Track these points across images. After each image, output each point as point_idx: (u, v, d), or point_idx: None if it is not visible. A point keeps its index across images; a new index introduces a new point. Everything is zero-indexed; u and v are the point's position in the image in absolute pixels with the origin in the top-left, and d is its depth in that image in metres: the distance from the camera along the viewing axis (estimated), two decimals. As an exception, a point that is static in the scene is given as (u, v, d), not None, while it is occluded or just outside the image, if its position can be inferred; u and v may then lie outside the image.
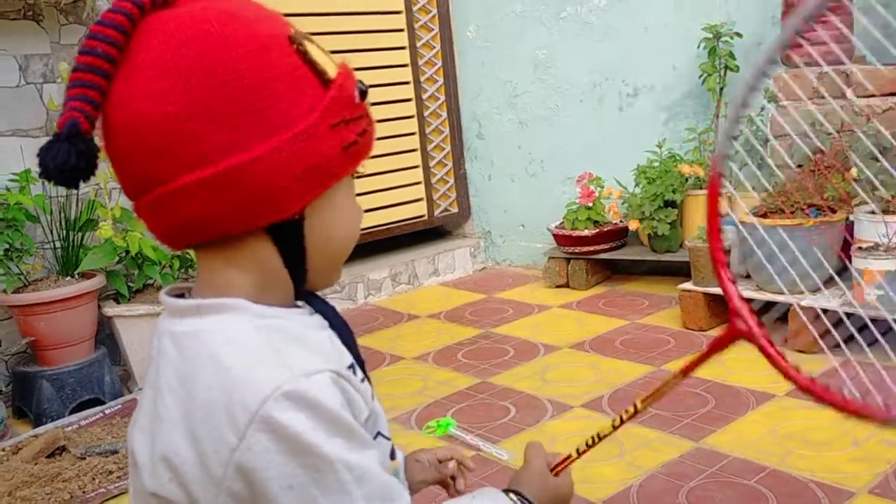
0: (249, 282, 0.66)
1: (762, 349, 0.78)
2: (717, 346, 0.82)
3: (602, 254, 3.49)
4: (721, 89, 3.29)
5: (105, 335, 2.80)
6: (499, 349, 2.92)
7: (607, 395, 2.42)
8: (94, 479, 2.13)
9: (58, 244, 2.71)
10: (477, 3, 4.02)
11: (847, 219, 2.64)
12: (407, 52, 3.87)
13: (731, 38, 3.24)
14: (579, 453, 0.87)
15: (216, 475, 0.60)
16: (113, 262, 2.66)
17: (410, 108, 3.91)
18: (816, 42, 2.86)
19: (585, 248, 3.49)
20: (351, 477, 0.60)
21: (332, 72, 0.65)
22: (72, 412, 2.57)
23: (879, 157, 1.68)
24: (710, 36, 3.25)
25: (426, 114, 3.98)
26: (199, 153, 0.59)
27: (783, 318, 2.63)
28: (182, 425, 0.62)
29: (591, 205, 3.43)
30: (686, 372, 0.83)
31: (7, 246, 2.47)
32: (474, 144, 4.14)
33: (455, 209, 4.14)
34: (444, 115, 4.04)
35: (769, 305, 2.86)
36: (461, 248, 4.05)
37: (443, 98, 4.03)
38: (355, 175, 0.67)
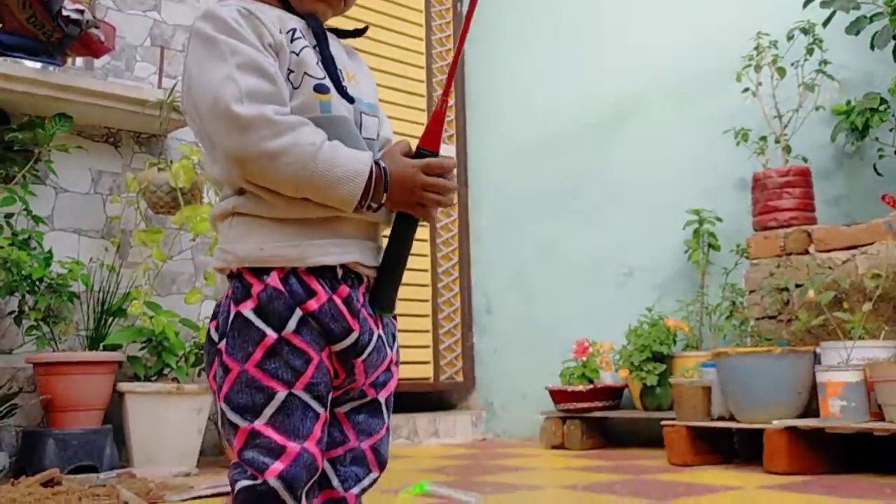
0: None
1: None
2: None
3: (596, 412, 3.61)
4: (705, 264, 3.64)
5: (117, 420, 2.96)
6: (490, 466, 2.99)
7: (581, 485, 2.48)
8: (80, 499, 2.22)
9: (91, 325, 2.99)
10: (492, 199, 4.55)
11: (815, 352, 2.82)
12: (427, 230, 4.34)
13: (714, 222, 3.65)
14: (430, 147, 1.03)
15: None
16: (137, 343, 2.91)
17: (426, 277, 4.28)
18: (783, 209, 3.25)
19: (580, 405, 3.62)
20: (227, 49, 0.95)
21: None
22: (69, 474, 2.67)
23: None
24: (695, 218, 3.66)
25: (440, 286, 4.34)
26: None
27: (758, 443, 2.72)
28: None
29: (584, 360, 3.63)
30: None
31: (47, 307, 2.75)
32: (483, 319, 4.44)
33: (461, 378, 4.33)
34: (457, 289, 4.40)
35: (746, 432, 2.95)
36: (463, 416, 4.18)
37: (456, 274, 4.42)
38: None
